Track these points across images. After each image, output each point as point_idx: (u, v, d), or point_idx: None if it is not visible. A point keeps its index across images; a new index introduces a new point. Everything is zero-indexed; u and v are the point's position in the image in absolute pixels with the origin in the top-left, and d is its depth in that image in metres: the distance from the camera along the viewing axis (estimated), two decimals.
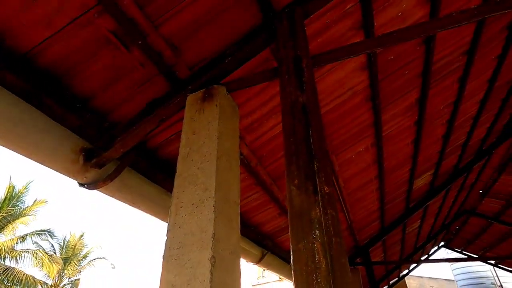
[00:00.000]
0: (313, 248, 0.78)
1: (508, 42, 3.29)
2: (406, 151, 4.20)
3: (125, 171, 1.90)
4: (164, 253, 1.10)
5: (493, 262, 11.55)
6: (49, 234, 20.03)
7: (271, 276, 14.39)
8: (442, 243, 12.17)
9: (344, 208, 4.37)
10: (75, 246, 22.06)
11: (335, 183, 3.71)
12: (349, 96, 2.71)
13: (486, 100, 4.17)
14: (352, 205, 4.62)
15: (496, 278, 12.25)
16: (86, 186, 1.76)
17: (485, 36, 2.99)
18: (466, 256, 11.12)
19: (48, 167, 1.61)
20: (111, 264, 19.52)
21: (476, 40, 2.93)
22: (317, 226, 0.81)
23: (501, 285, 11.72)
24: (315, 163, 0.93)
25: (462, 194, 7.75)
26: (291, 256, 0.83)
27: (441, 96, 3.57)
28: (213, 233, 1.05)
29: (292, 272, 0.80)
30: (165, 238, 1.14)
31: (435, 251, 12.30)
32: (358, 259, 6.37)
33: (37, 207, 19.72)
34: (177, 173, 1.31)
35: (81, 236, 23.07)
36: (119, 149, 1.61)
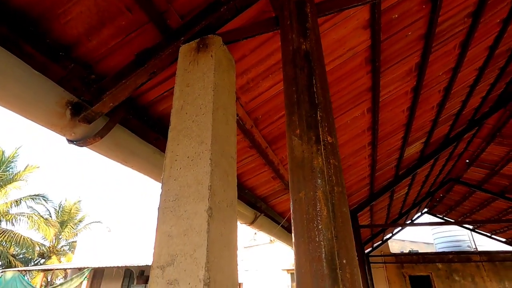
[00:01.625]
0: (314, 196, 0.76)
1: None
2: (400, 118, 4.19)
3: (116, 128, 1.83)
4: (160, 205, 1.07)
5: (471, 227, 12.27)
6: (43, 199, 20.27)
7: (263, 238, 15.06)
8: (426, 209, 12.77)
9: None
10: (70, 210, 22.48)
11: None
12: (349, 57, 2.61)
13: (485, 68, 4.10)
14: (344, 171, 4.70)
15: (473, 242, 13.11)
16: (75, 142, 1.70)
17: None
18: (447, 221, 11.75)
19: (34, 121, 1.53)
20: (107, 227, 20.02)
21: (483, 1, 2.79)
22: (319, 175, 0.79)
23: (476, 248, 12.59)
24: (318, 112, 0.88)
25: (450, 163, 7.97)
26: (291, 206, 0.81)
27: (441, 61, 3.48)
28: (210, 185, 1.02)
29: (292, 221, 0.79)
30: (160, 191, 1.11)
31: (418, 217, 12.95)
32: None
33: (29, 172, 19.71)
34: (171, 126, 1.25)
35: (77, 201, 23.45)
36: (109, 103, 1.53)
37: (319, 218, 0.72)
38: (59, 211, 22.21)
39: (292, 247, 4.59)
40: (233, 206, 1.15)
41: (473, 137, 6.73)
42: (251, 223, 3.76)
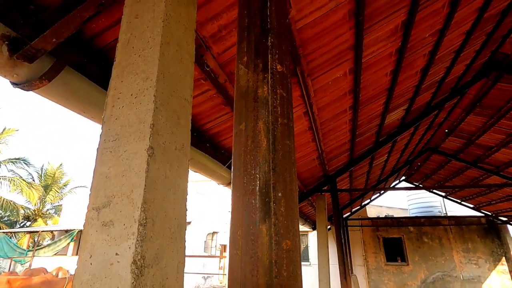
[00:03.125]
0: (255, 127, 0.68)
1: None
2: (383, 82, 4.11)
3: (69, 73, 1.66)
4: (99, 145, 0.98)
5: (443, 194, 12.97)
6: (24, 162, 19.82)
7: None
8: (403, 177, 13.30)
9: (316, 137, 4.42)
10: (54, 175, 22.17)
11: (309, 111, 3.65)
12: (332, 8, 2.43)
13: (472, 32, 3.99)
14: (325, 135, 4.69)
15: (443, 207, 13.97)
16: (20, 85, 1.53)
17: None
18: (424, 187, 12.30)
19: None
20: None
21: None
22: (262, 105, 0.70)
23: (446, 213, 13.47)
24: (269, 38, 0.77)
25: (429, 132, 8.14)
26: (233, 140, 0.73)
27: (428, 21, 3.34)
28: (152, 124, 0.92)
29: (232, 156, 0.72)
30: (100, 131, 1.00)
31: (396, 184, 13.51)
32: (326, 187, 6.83)
33: (7, 135, 18.99)
34: (115, 62, 1.11)
35: (60, 165, 23.08)
36: (51, 38, 1.35)
37: (257, 150, 0.65)
38: (42, 175, 21.88)
39: None
40: (184, 150, 1.06)
41: (454, 106, 6.80)
42: (228, 183, 3.75)
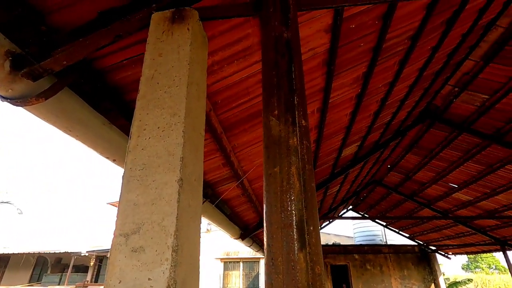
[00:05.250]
0: (289, 171, 0.83)
1: (444, 36, 3.73)
2: (343, 121, 4.61)
3: (64, 91, 1.64)
4: (125, 173, 1.03)
5: (384, 223, 14.17)
6: None
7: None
8: (351, 206, 14.27)
9: None
10: None
11: None
12: (309, 56, 2.78)
13: (414, 86, 4.77)
14: None
15: (384, 236, 15.20)
16: (11, 100, 1.48)
17: (429, 26, 3.33)
18: (367, 217, 13.31)
19: None
20: (17, 209, 17.46)
21: (422, 27, 3.24)
22: (294, 153, 0.86)
23: (386, 241, 14.66)
24: (295, 97, 0.96)
25: (375, 167, 9.06)
26: (264, 180, 0.87)
27: (383, 74, 3.93)
28: (182, 157, 1.02)
29: (264, 193, 0.85)
30: (126, 159, 1.06)
31: (344, 212, 14.40)
32: None
33: None
34: (139, 95, 1.19)
35: None
36: (62, 61, 1.37)
37: (292, 191, 0.80)
38: None
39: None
40: (200, 181, 1.16)
41: (396, 145, 7.76)
42: (238, 238, 3.74)
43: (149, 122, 1.11)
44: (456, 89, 5.45)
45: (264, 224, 0.80)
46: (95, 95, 1.84)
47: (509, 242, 10.31)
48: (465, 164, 7.10)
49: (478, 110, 5.57)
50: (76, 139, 1.93)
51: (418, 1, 2.68)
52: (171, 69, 1.22)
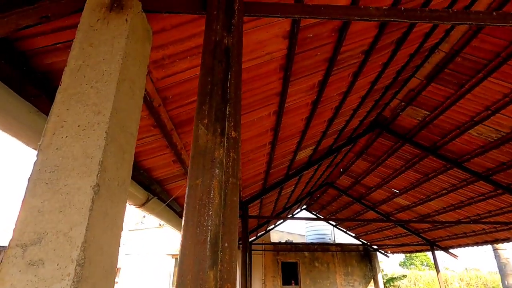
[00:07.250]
0: (210, 184, 0.81)
1: (393, 54, 4.02)
2: (299, 125, 4.74)
3: None
4: (32, 175, 0.92)
5: (334, 223, 14.97)
6: None
7: (152, 222, 14.41)
8: (305, 206, 14.82)
9: None
10: None
11: None
12: (266, 60, 2.79)
13: (365, 98, 5.07)
14: (244, 164, 4.99)
15: (333, 235, 16.09)
16: None
17: (381, 43, 3.55)
18: (320, 218, 13.92)
19: None
20: None
21: (374, 44, 3.44)
22: (218, 166, 0.84)
23: (335, 240, 15.54)
24: (228, 107, 0.93)
25: (328, 170, 9.51)
26: (187, 191, 0.83)
27: (337, 84, 4.11)
28: (101, 161, 0.93)
29: (185, 205, 0.81)
30: (35, 159, 0.95)
31: (298, 212, 14.91)
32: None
33: None
34: (61, 87, 1.07)
35: None
36: None
37: (210, 205, 0.78)
38: None
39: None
40: (125, 186, 1.08)
41: (348, 151, 8.22)
42: (142, 205, 3.56)
43: (68, 119, 1.01)
44: (403, 103, 5.92)
45: (180, 239, 0.77)
46: (20, 79, 1.64)
47: (437, 243, 11.56)
48: (406, 172, 7.77)
49: (420, 124, 6.12)
50: None
51: (368, 22, 2.82)
52: (101, 62, 1.12)
